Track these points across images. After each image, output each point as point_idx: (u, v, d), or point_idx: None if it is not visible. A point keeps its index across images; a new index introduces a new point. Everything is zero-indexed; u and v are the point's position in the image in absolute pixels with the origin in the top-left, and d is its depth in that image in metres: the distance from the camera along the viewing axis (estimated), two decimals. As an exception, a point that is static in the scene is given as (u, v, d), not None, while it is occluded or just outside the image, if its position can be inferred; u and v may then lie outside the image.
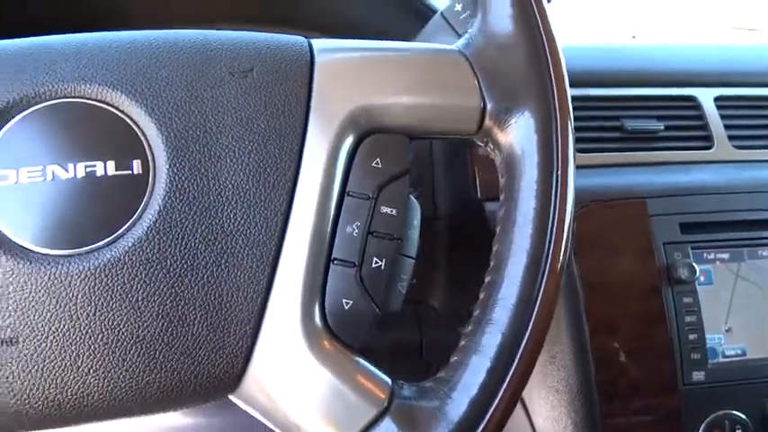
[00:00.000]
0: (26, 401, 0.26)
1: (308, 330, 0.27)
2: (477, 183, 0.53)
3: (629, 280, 0.50)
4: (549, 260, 0.27)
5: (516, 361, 0.26)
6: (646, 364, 0.49)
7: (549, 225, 0.27)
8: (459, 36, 0.44)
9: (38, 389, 0.26)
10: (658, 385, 0.49)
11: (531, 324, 0.26)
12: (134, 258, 0.26)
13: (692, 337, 0.49)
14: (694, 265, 0.49)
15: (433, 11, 0.52)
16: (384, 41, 0.33)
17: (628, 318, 0.49)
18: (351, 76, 0.29)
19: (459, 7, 0.43)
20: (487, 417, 0.26)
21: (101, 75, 0.27)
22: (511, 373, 0.26)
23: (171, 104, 0.27)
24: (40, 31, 0.55)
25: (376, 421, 0.26)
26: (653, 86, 0.60)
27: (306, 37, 0.31)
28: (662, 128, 0.57)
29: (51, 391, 0.26)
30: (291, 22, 0.51)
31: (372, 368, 0.28)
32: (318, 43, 0.31)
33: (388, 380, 0.27)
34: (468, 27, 0.43)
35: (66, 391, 0.26)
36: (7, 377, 0.26)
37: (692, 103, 0.60)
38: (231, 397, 0.29)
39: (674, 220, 0.52)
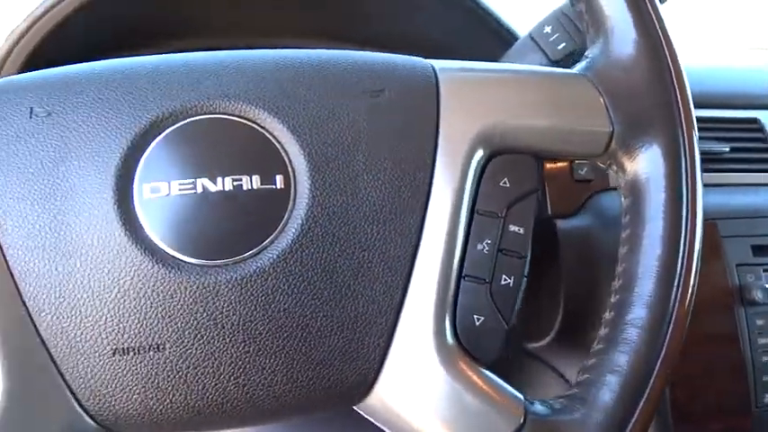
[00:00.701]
0: (168, 406, 0.27)
1: (439, 345, 0.28)
2: (548, 200, 0.53)
3: (702, 300, 0.50)
4: (681, 281, 0.28)
5: (652, 380, 0.27)
6: (718, 386, 0.49)
7: (681, 247, 0.28)
8: (549, 58, 0.45)
9: (180, 394, 0.27)
10: (731, 407, 0.49)
11: (665, 345, 0.27)
12: (278, 270, 0.27)
13: (765, 359, 0.49)
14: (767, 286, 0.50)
15: (513, 35, 0.53)
16: (500, 63, 0.34)
17: (701, 338, 0.49)
18: (477, 96, 0.30)
19: (548, 29, 0.44)
20: None
21: (243, 92, 0.28)
22: (647, 392, 0.26)
23: (310, 122, 0.28)
24: (125, 43, 0.57)
25: None
26: (716, 108, 0.61)
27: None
28: (727, 150, 0.58)
29: (192, 397, 0.27)
30: (374, 42, 0.52)
31: (505, 384, 0.28)
32: (438, 64, 0.32)
33: (521, 396, 0.28)
34: (559, 49, 0.44)
35: (207, 397, 0.27)
36: (152, 381, 0.27)
37: (756, 125, 0.60)
38: (356, 407, 0.29)
39: (745, 242, 0.52)
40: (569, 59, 0.44)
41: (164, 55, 0.30)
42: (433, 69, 0.31)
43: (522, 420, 0.27)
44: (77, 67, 0.30)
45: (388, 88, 0.30)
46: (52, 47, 0.51)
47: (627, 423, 0.26)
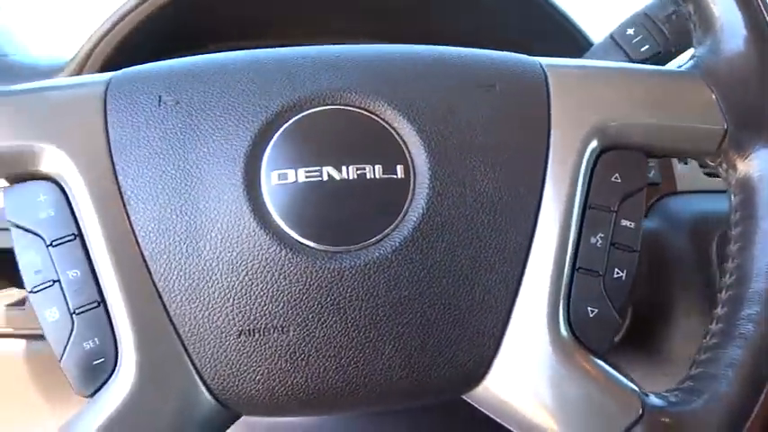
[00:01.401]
0: (289, 387, 0.28)
1: (554, 336, 0.28)
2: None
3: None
4: None
5: None
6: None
7: None
8: (631, 59, 0.45)
9: (301, 376, 0.28)
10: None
11: None
12: (399, 258, 0.28)
13: None
14: None
15: (587, 40, 0.53)
16: (605, 61, 0.34)
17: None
18: (588, 91, 0.31)
19: (631, 31, 0.45)
20: (747, 426, 0.26)
21: (364, 85, 0.29)
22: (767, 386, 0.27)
23: (429, 114, 0.29)
24: (195, 44, 0.58)
25: (629, 429, 0.27)
26: None
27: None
28: None
29: (313, 379, 0.28)
30: (450, 42, 0.53)
31: (620, 376, 0.28)
32: (545, 60, 0.32)
33: (637, 388, 0.28)
34: (642, 51, 0.44)
35: (327, 380, 0.28)
36: (275, 363, 0.27)
37: None
38: (465, 396, 0.30)
39: None
40: (651, 61, 0.45)
41: (282, 49, 0.31)
42: (541, 66, 0.32)
43: (640, 412, 0.27)
44: (203, 58, 0.31)
45: (499, 83, 0.30)
46: (128, 50, 0.53)
47: (748, 415, 0.26)
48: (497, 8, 0.52)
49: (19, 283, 0.52)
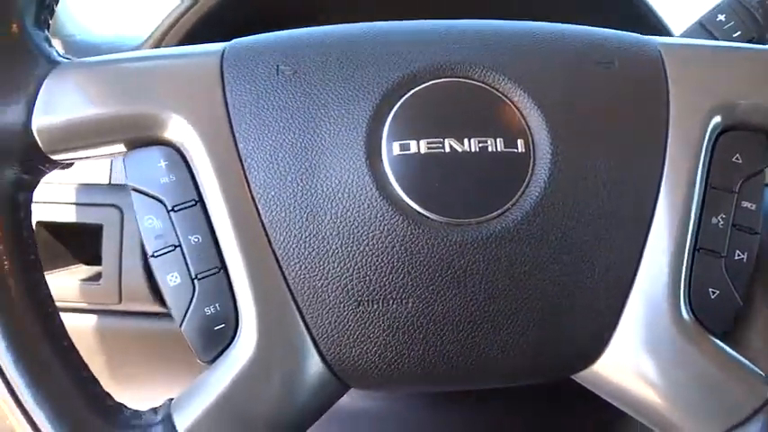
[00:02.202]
0: (405, 360, 0.28)
1: (674, 316, 0.28)
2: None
3: None
4: None
5: None
6: None
7: None
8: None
9: (418, 348, 0.27)
10: None
11: None
12: (521, 232, 0.27)
13: None
14: None
15: (668, 32, 0.53)
16: (719, 42, 0.33)
17: None
18: (708, 71, 0.30)
19: (722, 17, 0.44)
20: None
21: (484, 59, 0.29)
22: None
23: (550, 89, 0.29)
24: (270, 23, 0.58)
25: (756, 413, 0.26)
26: None
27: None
28: None
29: (429, 352, 0.28)
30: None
31: (743, 359, 0.28)
32: (660, 39, 0.32)
33: (761, 372, 0.28)
34: (735, 37, 0.44)
35: (443, 353, 0.28)
36: (392, 335, 0.27)
37: None
38: (576, 376, 0.29)
39: None
40: (743, 48, 0.44)
41: (399, 22, 0.31)
42: (656, 44, 0.31)
43: (766, 397, 0.27)
44: (317, 29, 0.31)
45: (617, 60, 0.30)
46: (207, 28, 0.53)
47: None
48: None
49: (90, 262, 0.53)
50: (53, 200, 0.50)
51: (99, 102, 0.28)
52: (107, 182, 0.50)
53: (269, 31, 0.32)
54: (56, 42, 0.58)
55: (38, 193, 0.50)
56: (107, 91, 0.28)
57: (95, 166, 0.50)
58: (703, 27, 0.45)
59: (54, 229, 0.50)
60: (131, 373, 0.53)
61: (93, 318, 0.51)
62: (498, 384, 0.30)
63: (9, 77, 0.28)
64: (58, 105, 0.28)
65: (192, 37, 0.52)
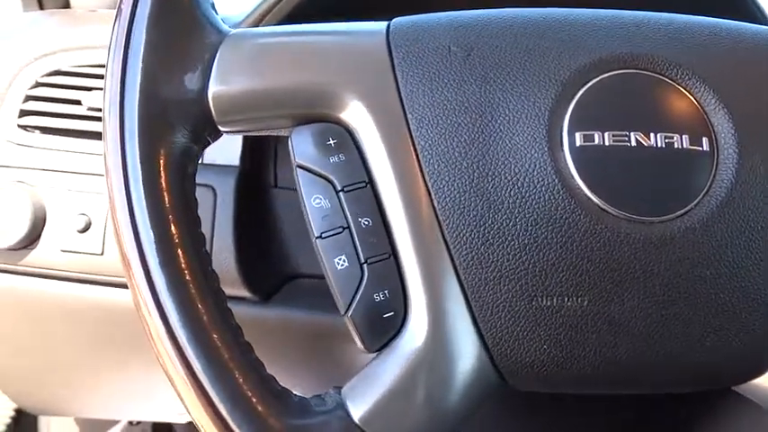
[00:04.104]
0: (575, 361, 0.26)
1: None
2: None
3: None
4: None
5: None
6: None
7: None
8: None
9: (590, 349, 0.26)
10: None
11: None
12: (704, 233, 0.26)
13: None
14: None
15: (766, 17, 0.52)
16: None
17: None
18: None
19: None
20: None
21: (668, 52, 0.28)
22: None
23: (733, 87, 0.28)
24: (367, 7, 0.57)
25: None
26: None
27: None
28: None
29: (602, 353, 0.26)
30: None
31: None
32: None
33: None
34: None
35: (616, 355, 0.26)
36: (565, 334, 0.26)
37: None
38: (739, 387, 0.28)
39: None
40: None
41: (574, 9, 0.30)
42: None
43: None
44: (487, 12, 0.29)
45: None
46: (306, 10, 0.52)
47: None
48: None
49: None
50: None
51: (274, 74, 0.27)
52: (200, 162, 0.49)
53: (368, 17, 0.31)
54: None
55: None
56: (282, 64, 0.27)
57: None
58: None
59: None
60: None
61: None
62: (665, 391, 0.29)
63: (183, 45, 0.27)
64: (233, 75, 0.27)
65: (292, 18, 0.51)
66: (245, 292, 0.48)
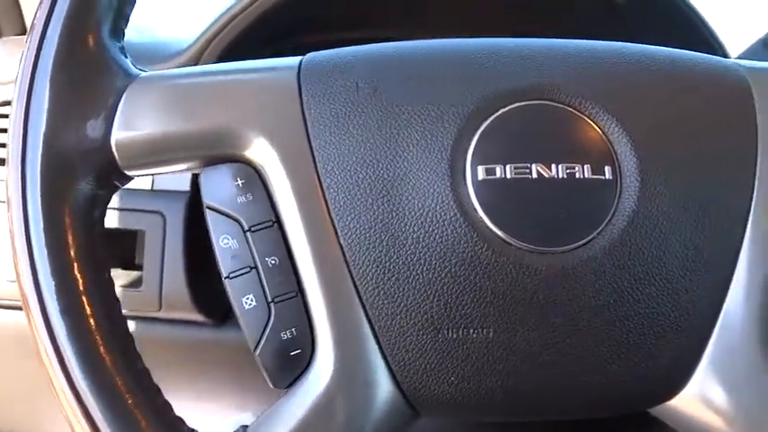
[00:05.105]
0: (483, 390, 0.27)
1: (761, 352, 0.27)
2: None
3: None
4: None
5: None
6: None
7: None
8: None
9: (497, 379, 0.27)
10: None
11: None
12: (606, 262, 0.26)
13: None
14: None
15: (723, 49, 0.52)
16: None
17: None
18: None
19: (786, 37, 0.43)
20: None
21: (571, 82, 0.28)
22: None
23: (638, 115, 0.28)
24: (313, 30, 0.57)
25: None
26: None
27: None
28: None
29: (508, 383, 0.27)
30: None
31: None
32: (746, 63, 0.31)
33: None
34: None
35: (522, 384, 0.27)
36: (471, 364, 0.26)
37: None
38: (652, 410, 0.29)
39: None
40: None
41: (484, 39, 0.30)
42: (742, 68, 0.30)
43: None
44: (398, 45, 0.30)
45: (703, 85, 0.29)
46: (248, 40, 0.52)
47: None
48: (633, 10, 0.51)
49: (126, 266, 0.52)
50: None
51: (181, 117, 0.27)
52: (150, 188, 0.49)
53: (315, 36, 0.31)
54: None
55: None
56: (188, 106, 0.28)
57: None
58: (767, 46, 0.44)
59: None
60: (169, 381, 0.52)
61: (131, 324, 0.51)
62: (577, 417, 0.29)
63: (88, 91, 0.27)
64: (137, 120, 0.27)
65: (238, 42, 0.51)
66: (198, 316, 0.48)
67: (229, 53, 0.51)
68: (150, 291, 0.48)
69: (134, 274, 0.51)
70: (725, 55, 0.52)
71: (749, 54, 0.45)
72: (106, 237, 0.50)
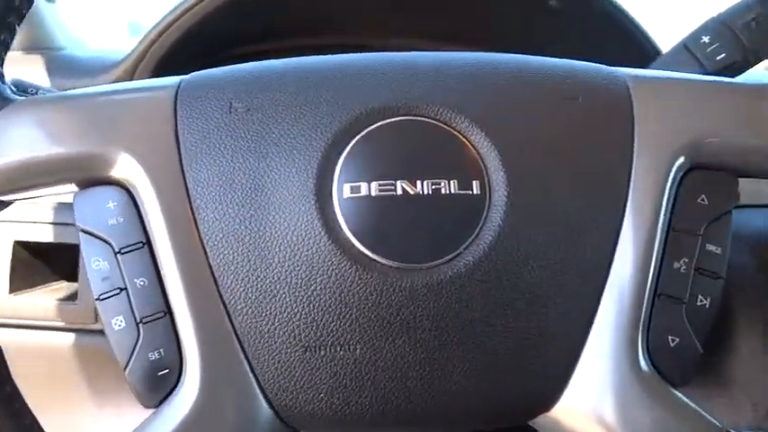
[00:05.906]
0: (353, 405, 0.27)
1: (631, 365, 0.27)
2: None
3: None
4: None
5: None
6: None
7: None
8: (705, 69, 0.43)
9: (366, 394, 0.27)
10: None
11: None
12: (472, 277, 0.27)
13: None
14: None
15: (655, 48, 0.51)
16: (694, 75, 0.32)
17: None
18: (677, 106, 0.29)
19: (706, 39, 0.43)
20: None
21: (440, 96, 0.28)
22: None
23: (508, 128, 0.28)
24: (252, 40, 0.57)
25: None
26: None
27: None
28: None
29: (378, 398, 0.27)
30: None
31: (701, 410, 0.27)
32: (630, 71, 0.31)
33: (719, 423, 0.27)
34: (718, 60, 0.42)
35: (391, 399, 0.27)
36: (340, 381, 0.27)
37: None
38: (533, 422, 0.29)
39: None
40: (727, 72, 0.42)
41: (356, 55, 0.30)
42: (625, 77, 0.30)
43: None
44: (272, 64, 0.30)
45: (583, 95, 0.29)
46: (183, 50, 0.52)
47: None
48: (563, 12, 0.50)
49: (71, 278, 0.53)
50: (31, 219, 0.50)
51: (47, 142, 0.28)
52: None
53: (249, 47, 0.31)
54: (37, 56, 0.58)
55: (16, 212, 0.50)
56: (54, 131, 0.28)
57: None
58: (687, 48, 0.44)
59: (32, 246, 0.50)
60: (107, 392, 0.52)
61: (70, 336, 0.51)
62: (457, 429, 0.30)
63: None
64: (9, 146, 0.28)
65: (171, 55, 0.52)
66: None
67: (163, 66, 0.52)
68: (85, 303, 0.48)
69: (74, 286, 0.51)
70: (658, 55, 0.51)
71: (671, 57, 0.44)
72: (48, 251, 0.51)
